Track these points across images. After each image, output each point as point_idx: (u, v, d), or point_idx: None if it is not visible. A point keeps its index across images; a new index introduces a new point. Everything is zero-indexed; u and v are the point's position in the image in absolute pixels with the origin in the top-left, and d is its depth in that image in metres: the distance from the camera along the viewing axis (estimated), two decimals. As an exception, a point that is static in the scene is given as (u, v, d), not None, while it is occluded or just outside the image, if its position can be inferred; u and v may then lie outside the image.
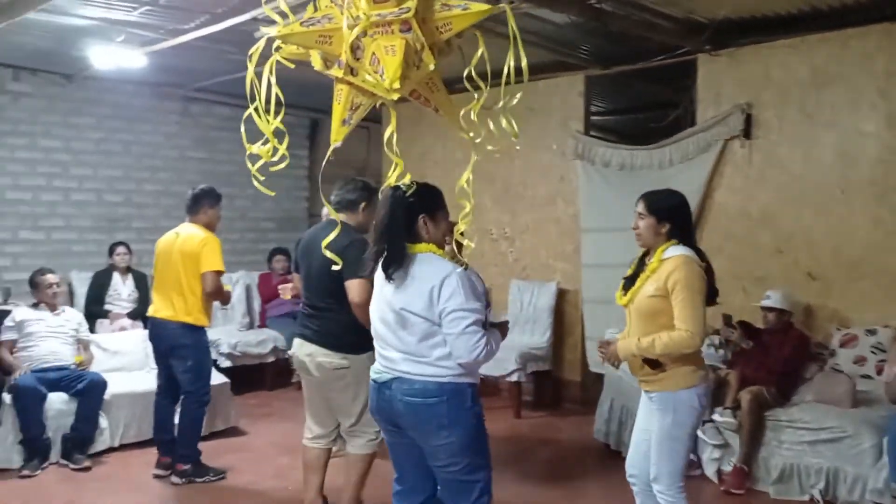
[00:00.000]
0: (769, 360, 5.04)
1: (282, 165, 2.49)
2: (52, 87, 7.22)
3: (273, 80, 2.40)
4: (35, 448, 4.91)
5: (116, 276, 6.89)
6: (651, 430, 3.29)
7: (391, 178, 2.62)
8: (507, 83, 2.41)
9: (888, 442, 4.25)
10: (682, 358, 3.16)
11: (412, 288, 2.74)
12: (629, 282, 3.36)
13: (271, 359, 7.37)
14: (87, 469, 4.96)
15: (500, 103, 2.46)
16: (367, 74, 2.20)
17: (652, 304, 3.20)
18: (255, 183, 2.39)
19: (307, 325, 3.91)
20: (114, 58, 5.86)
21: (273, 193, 2.56)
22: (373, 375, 2.92)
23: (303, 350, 3.89)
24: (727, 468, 4.87)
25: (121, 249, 6.92)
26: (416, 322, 2.73)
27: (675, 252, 3.22)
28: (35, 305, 5.46)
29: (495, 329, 2.92)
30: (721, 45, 5.92)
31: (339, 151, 2.53)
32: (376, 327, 2.91)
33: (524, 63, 2.33)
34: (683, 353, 3.14)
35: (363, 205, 3.83)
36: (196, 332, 4.78)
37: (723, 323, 5.53)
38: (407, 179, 2.76)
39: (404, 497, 3.01)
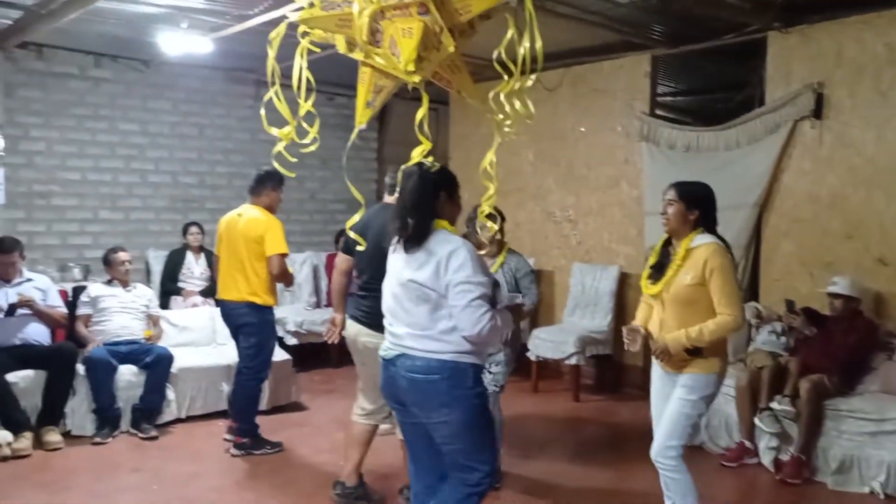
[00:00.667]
0: (832, 348, 4.88)
1: (312, 148, 2.54)
2: (130, 72, 7.52)
3: (304, 63, 2.45)
4: (106, 417, 5.17)
5: (190, 255, 7.16)
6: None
7: (415, 157, 2.66)
8: (523, 72, 2.39)
9: (953, 436, 4.09)
10: (714, 346, 3.27)
11: (422, 260, 2.76)
12: (656, 270, 3.39)
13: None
14: (154, 438, 5.20)
15: (517, 85, 2.44)
16: (378, 57, 2.23)
17: (690, 293, 3.27)
18: (275, 164, 2.46)
19: (357, 307, 4.02)
20: (181, 44, 6.04)
21: (294, 175, 2.63)
22: (381, 353, 2.97)
23: (351, 330, 4.04)
24: (785, 457, 4.77)
25: (194, 229, 7.19)
26: (423, 293, 2.76)
27: (704, 240, 3.30)
28: (108, 282, 5.73)
29: (506, 310, 2.92)
30: (792, 22, 5.72)
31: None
32: (386, 302, 2.96)
33: (539, 45, 2.31)
34: (723, 339, 3.27)
35: None
36: (262, 312, 4.92)
37: (785, 309, 5.39)
38: (430, 160, 2.78)
39: (418, 476, 3.04)
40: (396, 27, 2.24)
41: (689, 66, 7.26)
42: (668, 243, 3.46)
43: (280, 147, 2.48)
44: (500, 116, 2.63)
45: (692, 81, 7.95)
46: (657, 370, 3.55)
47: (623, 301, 6.91)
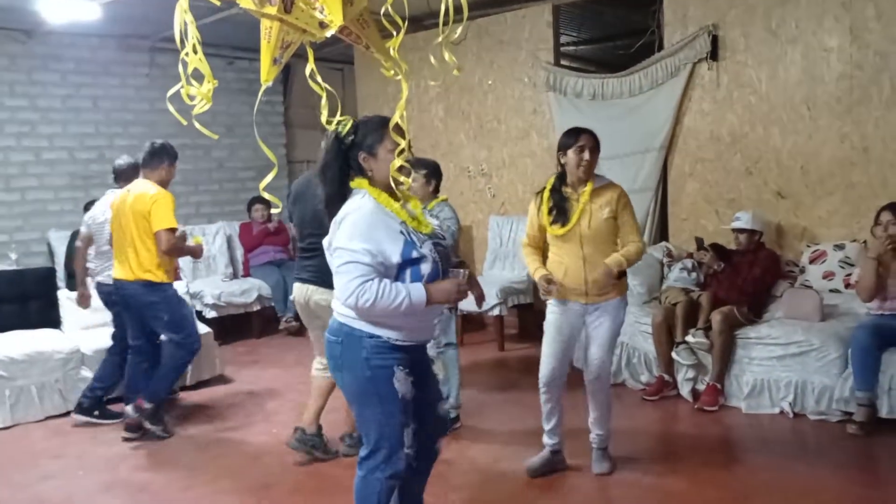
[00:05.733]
0: (740, 281, 5.12)
1: (204, 108, 2.43)
2: (11, 44, 7.10)
3: (189, 18, 2.34)
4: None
5: (95, 233, 6.87)
6: (576, 338, 3.93)
7: (322, 114, 2.60)
8: (446, 23, 2.37)
9: (852, 352, 4.39)
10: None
11: (334, 223, 2.66)
12: (560, 214, 3.71)
13: (257, 307, 7.40)
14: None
15: (439, 38, 2.44)
16: (307, 12, 2.17)
17: (609, 225, 3.69)
18: (198, 126, 2.35)
19: (303, 268, 4.14)
20: (66, 11, 5.71)
21: (217, 137, 2.54)
22: None
23: (300, 292, 4.13)
24: (701, 387, 4.98)
25: (96, 207, 6.89)
26: (328, 257, 2.68)
27: (606, 181, 3.76)
28: None
29: (419, 285, 2.56)
30: (685, -35, 5.85)
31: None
32: None
33: None
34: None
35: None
36: (159, 288, 4.67)
37: (695, 246, 5.59)
38: (346, 119, 2.66)
39: None
40: (315, -20, 2.19)
41: (590, 14, 7.36)
42: (554, 189, 3.74)
43: (199, 109, 2.35)
44: (393, 72, 2.62)
45: (594, 30, 8.06)
46: (560, 309, 3.84)
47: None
